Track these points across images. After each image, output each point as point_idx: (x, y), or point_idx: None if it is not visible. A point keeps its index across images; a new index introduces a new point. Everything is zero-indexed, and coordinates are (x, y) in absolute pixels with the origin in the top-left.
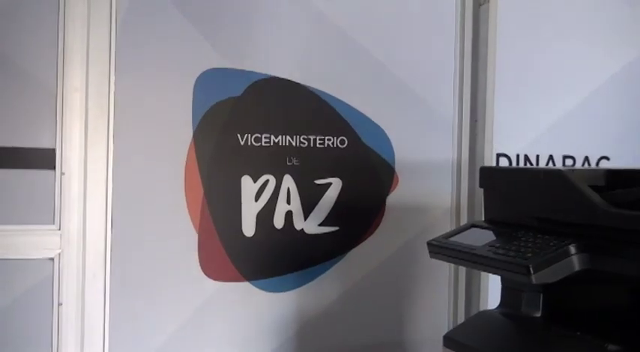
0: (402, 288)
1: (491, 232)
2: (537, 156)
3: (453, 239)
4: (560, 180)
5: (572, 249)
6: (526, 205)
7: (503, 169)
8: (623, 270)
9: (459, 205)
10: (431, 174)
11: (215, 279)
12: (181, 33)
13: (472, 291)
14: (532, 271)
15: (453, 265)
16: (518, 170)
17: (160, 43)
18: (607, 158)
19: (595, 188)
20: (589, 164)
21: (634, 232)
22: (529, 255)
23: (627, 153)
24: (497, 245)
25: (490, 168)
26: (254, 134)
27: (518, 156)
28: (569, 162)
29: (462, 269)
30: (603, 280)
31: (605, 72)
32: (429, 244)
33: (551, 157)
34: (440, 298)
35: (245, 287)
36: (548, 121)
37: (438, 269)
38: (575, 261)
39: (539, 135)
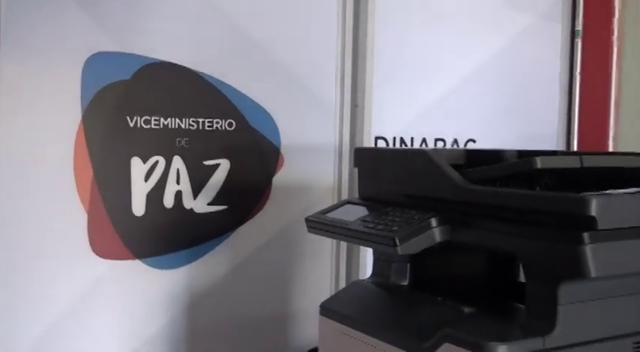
0: (287, 263)
1: (364, 208)
2: (412, 139)
3: (328, 215)
4: (424, 159)
5: (434, 222)
6: (395, 183)
7: (375, 150)
8: (479, 241)
9: (340, 184)
10: (314, 156)
11: (105, 258)
12: (70, 16)
13: (352, 264)
14: (397, 243)
15: (334, 240)
16: (387, 150)
17: (47, 26)
18: (474, 140)
19: (455, 166)
20: (458, 145)
21: (488, 206)
22: (395, 228)
23: (492, 135)
24: (368, 220)
25: (363, 149)
26: (143, 116)
27: (394, 138)
28: (440, 144)
29: (343, 244)
30: (463, 250)
31: (475, 59)
32: (307, 220)
33: (424, 139)
34: (323, 271)
35: (135, 265)
36: (422, 106)
37: (321, 244)
38: (436, 233)
39: (414, 119)
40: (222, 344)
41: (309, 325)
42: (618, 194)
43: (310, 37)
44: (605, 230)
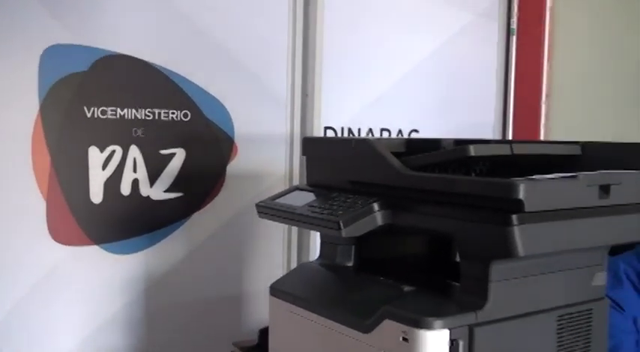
0: (241, 247)
1: (311, 194)
2: (359, 129)
3: (278, 200)
4: (367, 147)
5: (376, 207)
6: (340, 170)
7: (322, 139)
8: (418, 224)
9: (292, 172)
10: (267, 145)
11: (64, 244)
12: (27, 9)
13: (303, 247)
14: (342, 226)
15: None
16: (333, 139)
17: (4, 18)
18: (417, 130)
19: (396, 154)
20: (402, 135)
21: (426, 191)
22: (340, 212)
23: (434, 126)
24: (315, 205)
25: (310, 139)
26: (100, 107)
27: (342, 128)
28: (385, 133)
29: (295, 228)
30: (403, 232)
31: (419, 54)
32: (257, 205)
33: (370, 130)
34: (275, 254)
35: (94, 250)
36: (369, 98)
37: (273, 228)
38: (378, 217)
39: (361, 111)
40: (178, 325)
41: (263, 306)
42: (544, 179)
43: (262, 31)
44: (531, 212)
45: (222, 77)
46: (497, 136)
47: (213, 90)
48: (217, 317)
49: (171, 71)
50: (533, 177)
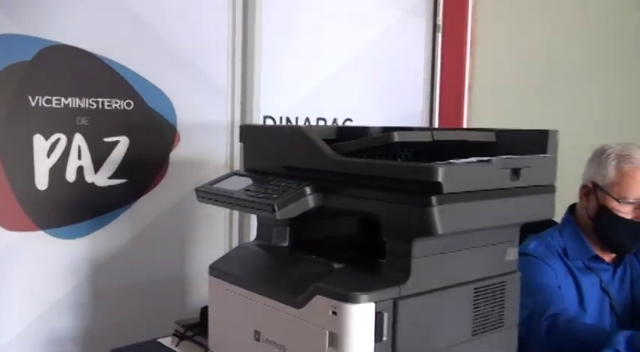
0: (185, 230)
1: (248, 179)
2: (297, 118)
3: (216, 185)
4: (300, 134)
5: (308, 190)
6: (275, 156)
7: (258, 127)
8: (347, 205)
9: (232, 158)
10: (208, 133)
11: (11, 230)
12: None
13: (244, 229)
14: (276, 209)
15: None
16: (268, 127)
17: None
18: (351, 119)
19: (327, 141)
20: (337, 124)
21: (354, 175)
22: (274, 196)
23: (367, 115)
24: (252, 189)
25: (247, 126)
26: (45, 96)
27: (281, 117)
28: (321, 122)
29: (236, 212)
30: (334, 214)
31: (353, 48)
32: (197, 190)
33: (307, 119)
34: (217, 236)
35: (40, 236)
36: (306, 89)
37: (216, 212)
38: (310, 199)
39: (299, 101)
40: (124, 306)
41: (205, 286)
42: (461, 163)
43: (203, 23)
44: (449, 193)
45: (164, 68)
46: (425, 124)
47: (155, 81)
48: (162, 297)
49: (114, 62)
50: (451, 161)
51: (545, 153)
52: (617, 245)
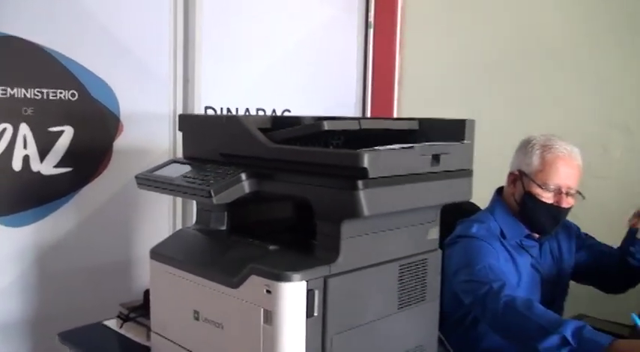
0: (130, 216)
1: (187, 166)
2: (237, 109)
3: (156, 172)
4: (236, 123)
5: (244, 176)
6: (212, 144)
7: (195, 116)
8: (281, 190)
9: (175, 147)
10: (151, 123)
11: None
12: None
13: (187, 215)
14: (213, 194)
15: None
16: (206, 116)
17: None
18: (289, 110)
19: (262, 130)
20: (276, 114)
21: (287, 161)
22: (211, 182)
23: (305, 106)
24: (190, 176)
25: (186, 115)
26: None
27: (222, 108)
28: (261, 112)
29: (179, 198)
30: (270, 199)
31: (290, 42)
32: (137, 177)
33: (247, 109)
34: (161, 222)
35: None
36: (247, 81)
37: (160, 199)
38: (245, 185)
39: (239, 92)
40: (71, 291)
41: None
42: (385, 149)
43: (145, 15)
44: (374, 178)
45: (107, 59)
46: (358, 115)
47: (99, 72)
48: (108, 281)
49: (59, 53)
50: (376, 148)
51: (463, 140)
52: (539, 226)
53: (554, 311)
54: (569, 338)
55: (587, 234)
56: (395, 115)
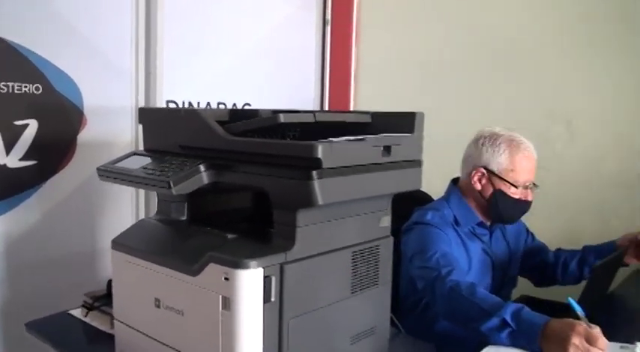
0: (94, 207)
1: (147, 158)
2: (198, 103)
3: (117, 164)
4: (195, 116)
5: (202, 168)
6: (172, 136)
7: (155, 109)
8: (239, 181)
9: (138, 140)
10: (114, 116)
11: None
12: None
13: (150, 205)
14: (172, 185)
15: None
16: (165, 109)
17: None
18: (249, 104)
19: (221, 122)
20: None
21: (244, 153)
22: (170, 173)
23: (265, 100)
24: (150, 167)
25: (145, 108)
26: None
27: (183, 102)
28: (222, 106)
29: (142, 190)
30: (228, 189)
31: (252, 38)
32: (98, 169)
33: (208, 103)
34: (125, 212)
35: None
36: (208, 75)
37: (124, 190)
38: (204, 176)
39: (201, 87)
40: (37, 282)
41: None
42: (339, 141)
43: (108, 10)
44: (328, 168)
45: (71, 53)
46: (317, 109)
47: (63, 66)
48: (73, 272)
49: (24, 47)
50: (330, 139)
51: (413, 132)
52: (507, 219)
53: (505, 295)
54: (509, 320)
55: (530, 231)
56: (351, 108)
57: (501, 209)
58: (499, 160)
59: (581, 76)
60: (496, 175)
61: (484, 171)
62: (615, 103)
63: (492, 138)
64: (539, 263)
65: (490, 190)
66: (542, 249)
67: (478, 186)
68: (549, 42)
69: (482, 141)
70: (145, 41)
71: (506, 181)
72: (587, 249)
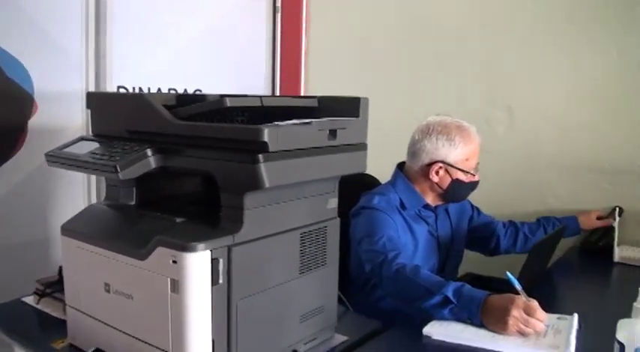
0: (46, 193)
1: (95, 143)
2: (149, 88)
3: (65, 150)
4: (142, 100)
5: (149, 152)
6: (119, 121)
7: (103, 94)
8: (186, 165)
9: (88, 125)
10: (65, 101)
11: None
12: None
13: (101, 191)
14: (119, 170)
15: None
16: (113, 94)
17: None
18: (200, 90)
19: (168, 107)
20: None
21: (191, 137)
22: (117, 158)
23: (216, 86)
24: (97, 152)
25: (93, 93)
26: None
27: (134, 87)
28: (172, 92)
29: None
30: (177, 173)
31: (202, 24)
32: (46, 155)
33: (159, 89)
34: (77, 199)
35: None
36: (159, 61)
37: (75, 176)
38: (151, 160)
39: (152, 73)
40: None
41: None
42: (285, 124)
43: None
44: (274, 152)
45: (21, 38)
46: (269, 94)
47: (13, 51)
48: (26, 259)
49: None
50: (276, 123)
51: (358, 116)
52: (459, 200)
53: (450, 271)
54: (451, 297)
55: (475, 206)
56: (302, 94)
57: (457, 194)
58: (456, 153)
59: (521, 64)
60: (453, 166)
61: (441, 164)
62: (552, 90)
63: (445, 132)
64: (490, 235)
65: (448, 180)
66: (491, 222)
67: (436, 179)
68: (492, 30)
69: (437, 136)
70: (95, 26)
71: (463, 171)
72: (540, 219)
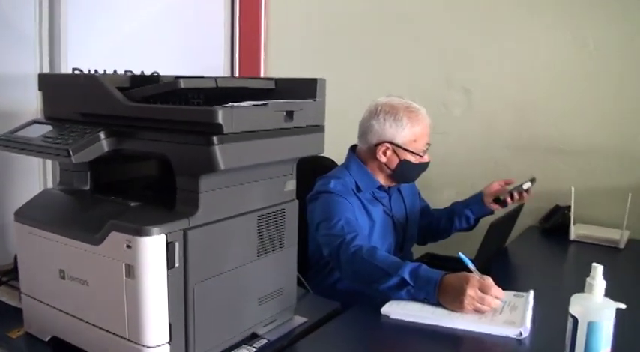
0: (1, 179)
1: (48, 126)
2: (105, 70)
3: (17, 133)
4: (94, 82)
5: (102, 135)
6: (72, 103)
7: (55, 75)
8: (140, 148)
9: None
10: (18, 85)
11: None
12: None
13: (57, 176)
14: (71, 153)
15: None
16: (65, 76)
17: None
18: (157, 72)
19: (121, 89)
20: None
21: (144, 119)
22: (70, 141)
23: (174, 69)
24: (50, 136)
25: (45, 75)
26: None
27: (89, 70)
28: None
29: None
30: (131, 157)
31: (160, 4)
32: None
33: (115, 71)
34: (33, 185)
35: None
36: (115, 43)
37: (31, 161)
38: (104, 143)
39: (107, 55)
40: None
41: None
42: (240, 106)
43: None
44: (229, 133)
45: None
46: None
47: None
48: None
49: None
50: (231, 104)
51: (315, 98)
52: (409, 180)
53: (407, 251)
54: (407, 278)
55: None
56: (262, 75)
57: (406, 175)
58: (403, 134)
59: (478, 47)
60: (401, 147)
61: (389, 145)
62: (509, 72)
63: (393, 113)
64: (427, 223)
65: (396, 161)
66: (428, 209)
67: (384, 159)
68: (450, 13)
69: (384, 116)
70: (49, 8)
71: (411, 152)
72: (455, 204)
